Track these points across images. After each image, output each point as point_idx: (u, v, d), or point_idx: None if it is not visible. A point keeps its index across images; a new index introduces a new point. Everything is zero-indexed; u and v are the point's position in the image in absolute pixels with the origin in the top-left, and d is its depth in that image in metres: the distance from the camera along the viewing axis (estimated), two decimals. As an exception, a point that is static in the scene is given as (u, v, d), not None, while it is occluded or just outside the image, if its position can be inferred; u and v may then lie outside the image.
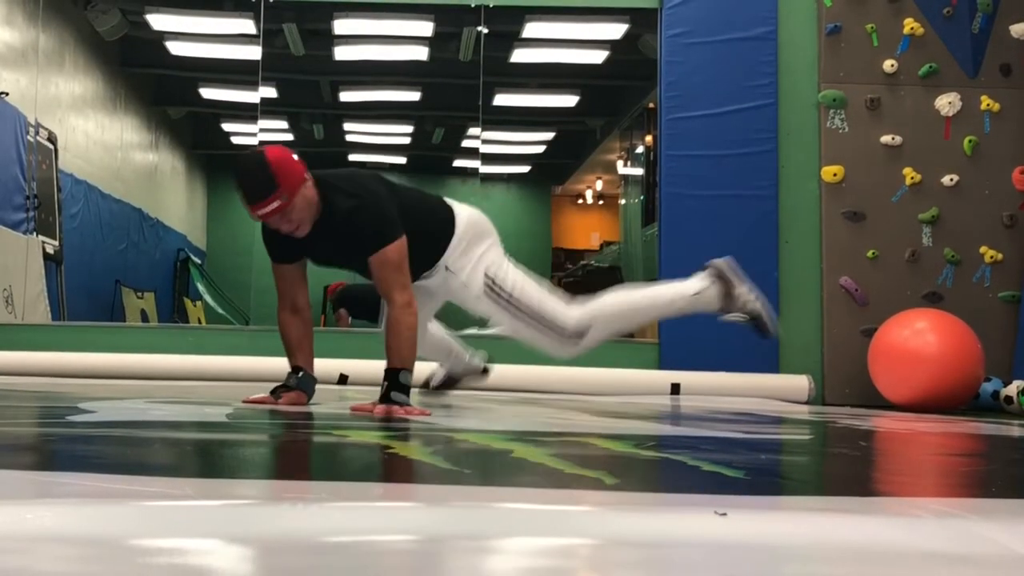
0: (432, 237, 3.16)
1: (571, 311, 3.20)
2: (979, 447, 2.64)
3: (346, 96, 8.93)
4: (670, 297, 3.35)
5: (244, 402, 3.11)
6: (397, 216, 3.01)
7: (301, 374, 3.16)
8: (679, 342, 5.67)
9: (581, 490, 1.39)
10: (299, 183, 2.91)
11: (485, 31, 6.78)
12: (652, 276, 6.05)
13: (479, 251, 3.20)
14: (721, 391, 5.15)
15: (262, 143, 3.17)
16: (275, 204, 2.87)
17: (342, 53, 8.03)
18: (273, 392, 3.12)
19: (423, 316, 3.22)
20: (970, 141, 5.78)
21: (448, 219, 3.21)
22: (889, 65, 5.82)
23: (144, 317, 8.14)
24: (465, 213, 3.27)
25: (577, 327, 3.17)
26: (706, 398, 4.94)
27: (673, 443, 2.33)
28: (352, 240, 2.99)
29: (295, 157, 3.00)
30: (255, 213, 2.92)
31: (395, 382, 2.90)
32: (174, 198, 9.50)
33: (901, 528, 1.06)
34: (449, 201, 3.31)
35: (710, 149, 5.79)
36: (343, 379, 5.01)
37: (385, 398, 2.87)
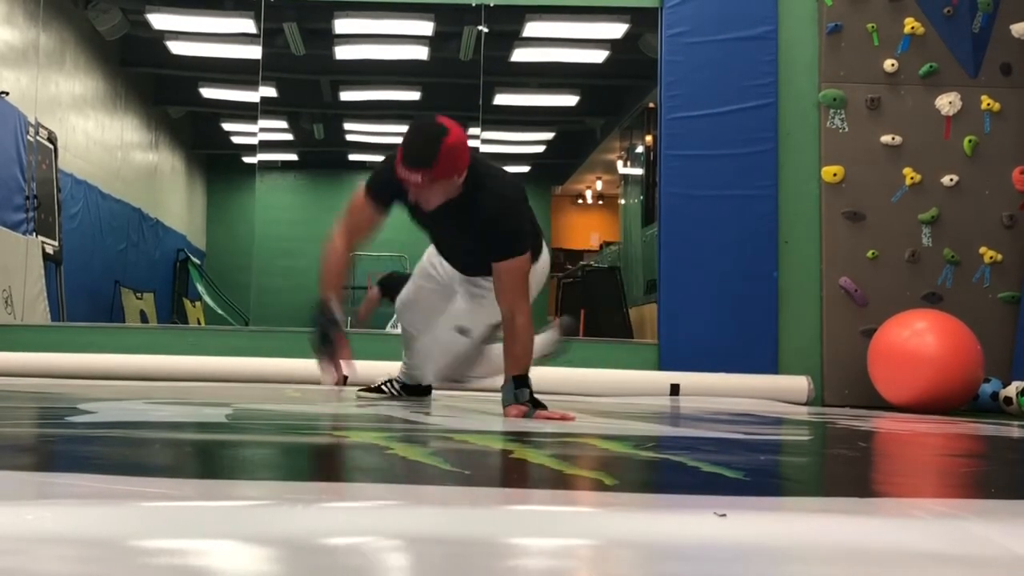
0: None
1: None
2: (978, 448, 2.64)
3: (346, 95, 8.94)
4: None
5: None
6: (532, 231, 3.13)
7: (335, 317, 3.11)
8: (679, 343, 5.67)
9: (581, 491, 1.39)
10: (452, 174, 2.90)
11: (485, 30, 6.78)
12: (652, 276, 6.05)
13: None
14: (720, 392, 5.15)
15: (426, 116, 3.11)
16: (418, 178, 2.86)
17: (342, 52, 8.03)
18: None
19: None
20: (970, 141, 5.78)
21: (537, 244, 3.27)
22: (889, 65, 5.82)
23: (143, 318, 8.14)
24: (547, 257, 3.42)
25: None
26: (705, 399, 4.94)
27: (673, 444, 2.33)
28: (487, 236, 3.02)
29: (467, 149, 2.97)
30: (397, 169, 2.89)
31: (526, 389, 3.06)
32: (174, 198, 9.51)
33: (900, 529, 1.06)
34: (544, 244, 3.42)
35: (710, 149, 5.79)
36: (343, 379, 5.01)
37: (528, 402, 3.02)
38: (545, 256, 3.39)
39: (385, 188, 3.05)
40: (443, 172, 2.85)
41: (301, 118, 8.99)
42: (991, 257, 5.72)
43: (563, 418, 2.87)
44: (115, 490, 1.15)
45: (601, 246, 9.38)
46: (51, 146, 6.83)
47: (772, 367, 5.59)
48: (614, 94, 8.62)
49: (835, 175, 5.78)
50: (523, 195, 3.13)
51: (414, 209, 3.06)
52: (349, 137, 9.34)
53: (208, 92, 9.03)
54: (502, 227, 2.98)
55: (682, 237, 5.78)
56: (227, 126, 9.39)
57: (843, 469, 1.96)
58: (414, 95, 8.78)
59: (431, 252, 3.49)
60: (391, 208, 3.11)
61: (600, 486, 1.44)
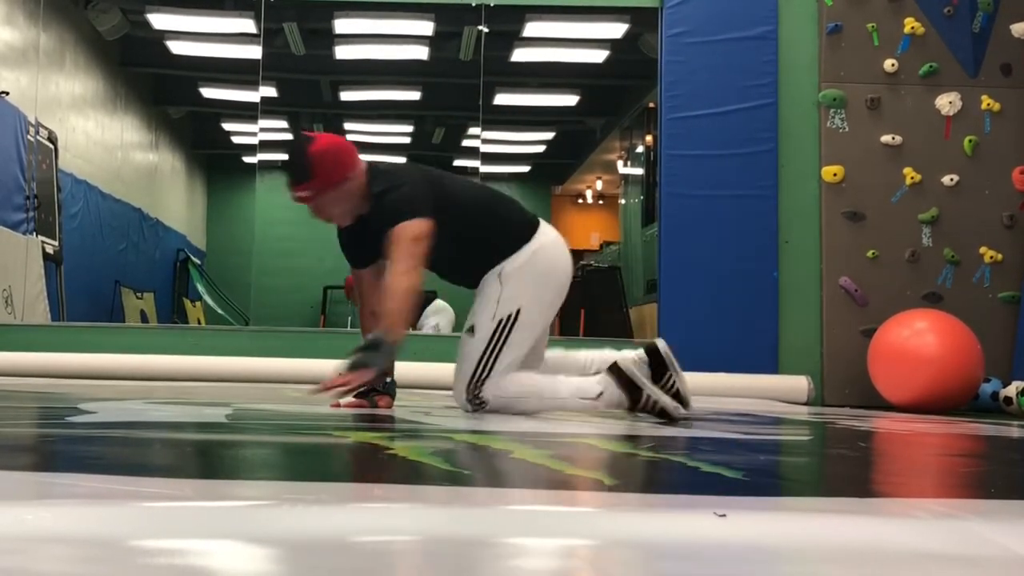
0: (491, 245, 3.09)
1: (499, 385, 3.03)
2: (978, 448, 2.64)
3: (346, 95, 8.93)
4: (563, 397, 3.09)
5: (333, 406, 2.96)
6: (424, 200, 2.94)
7: (389, 380, 3.12)
8: (678, 343, 5.64)
9: (581, 491, 1.39)
10: (335, 180, 2.92)
11: (486, 30, 6.79)
12: (652, 276, 6.05)
13: (531, 288, 3.06)
14: (720, 392, 5.15)
15: (303, 133, 3.12)
16: (305, 193, 2.93)
17: (342, 52, 8.03)
18: (367, 397, 3.04)
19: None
20: (970, 141, 5.78)
21: (520, 236, 3.10)
22: (889, 65, 5.82)
23: (144, 318, 8.14)
24: (545, 240, 3.14)
25: (485, 399, 3.03)
26: (705, 399, 4.93)
27: (672, 444, 2.33)
28: (378, 223, 2.93)
29: (346, 150, 3.00)
30: (290, 194, 2.96)
31: (368, 343, 2.80)
32: (174, 198, 9.50)
33: (900, 529, 1.06)
34: (542, 228, 3.16)
35: (710, 149, 5.79)
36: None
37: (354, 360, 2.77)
38: (535, 245, 3.10)
39: (345, 248, 3.17)
40: (323, 181, 2.90)
41: (301, 118, 8.99)
42: (991, 257, 5.72)
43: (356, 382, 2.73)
44: (115, 490, 1.15)
45: (601, 246, 9.38)
46: (51, 146, 6.83)
47: (772, 367, 5.59)
48: (614, 94, 8.62)
49: (835, 175, 5.78)
50: (415, 173, 3.09)
51: (366, 247, 3.07)
52: (349, 137, 9.27)
53: (208, 92, 9.03)
54: (384, 202, 2.93)
55: (682, 237, 5.78)
56: (227, 126, 9.39)
57: (843, 469, 1.96)
58: (414, 95, 8.78)
59: None
60: (367, 261, 3.11)
61: (600, 486, 1.44)
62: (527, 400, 3.06)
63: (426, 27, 7.43)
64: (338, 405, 2.94)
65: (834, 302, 5.71)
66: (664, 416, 3.06)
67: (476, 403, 3.04)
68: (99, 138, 7.95)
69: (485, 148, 7.57)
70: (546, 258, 3.12)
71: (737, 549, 0.98)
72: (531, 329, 3.08)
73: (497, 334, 3.03)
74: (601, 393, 3.06)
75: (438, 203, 2.97)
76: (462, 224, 3.03)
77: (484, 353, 3.03)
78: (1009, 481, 1.85)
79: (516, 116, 8.46)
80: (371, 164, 3.07)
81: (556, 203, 9.70)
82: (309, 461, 1.81)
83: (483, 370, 3.02)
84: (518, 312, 3.03)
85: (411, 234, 2.86)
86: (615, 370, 3.06)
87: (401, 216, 2.88)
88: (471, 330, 3.08)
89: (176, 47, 8.11)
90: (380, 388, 3.07)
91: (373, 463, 1.68)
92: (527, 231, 3.12)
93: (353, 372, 2.73)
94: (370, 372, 2.76)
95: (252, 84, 7.10)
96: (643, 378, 3.08)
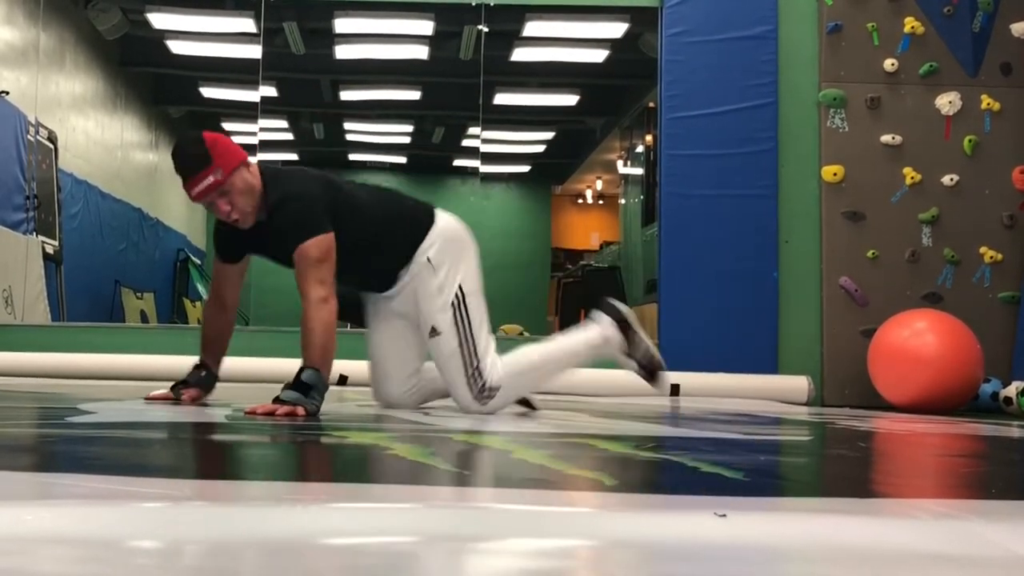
0: (401, 236, 3.12)
1: (496, 365, 3.09)
2: (979, 448, 2.64)
3: (346, 95, 8.93)
4: (573, 347, 3.26)
5: (147, 399, 3.09)
6: (324, 212, 2.92)
7: (204, 373, 3.16)
8: (679, 343, 5.67)
9: (581, 491, 1.39)
10: (235, 162, 2.89)
11: (486, 30, 6.78)
12: (652, 276, 6.06)
13: (459, 261, 3.13)
14: (720, 392, 5.15)
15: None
16: (209, 180, 2.87)
17: (343, 52, 8.03)
18: (173, 389, 3.11)
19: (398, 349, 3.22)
20: (970, 141, 5.78)
21: (424, 221, 3.15)
22: (889, 64, 5.82)
23: (144, 318, 8.13)
24: (446, 219, 3.22)
25: (494, 384, 3.06)
26: (705, 399, 4.93)
27: (673, 444, 2.33)
28: (279, 235, 2.93)
29: (232, 143, 3.01)
30: (192, 191, 2.92)
31: (296, 380, 2.75)
32: (174, 198, 9.49)
33: (901, 529, 1.06)
34: (437, 211, 3.23)
35: (710, 148, 5.79)
36: (343, 380, 5.01)
37: (278, 396, 2.71)
38: (438, 229, 3.14)
39: (222, 241, 3.14)
40: (224, 163, 2.87)
41: (301, 117, 8.99)
42: (991, 257, 5.72)
43: (291, 413, 2.63)
44: (115, 490, 1.15)
45: (601, 246, 9.38)
46: (51, 146, 6.83)
47: (772, 367, 5.59)
48: (614, 94, 8.61)
49: (835, 175, 5.78)
50: (311, 182, 3.00)
51: (252, 245, 3.07)
52: (349, 137, 9.33)
53: (208, 92, 9.02)
54: (283, 215, 2.91)
55: (682, 237, 5.78)
56: (227, 126, 9.38)
57: (843, 469, 1.96)
58: (414, 95, 8.77)
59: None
60: (241, 256, 3.14)
61: (600, 486, 1.44)
62: (540, 369, 3.17)
63: (426, 27, 7.42)
64: (152, 398, 3.06)
65: (834, 302, 5.71)
66: (652, 368, 3.19)
67: (485, 396, 3.04)
68: (99, 138, 7.95)
69: (485, 148, 7.57)
70: (453, 230, 3.19)
71: (737, 549, 0.98)
72: (479, 294, 3.14)
73: (459, 317, 3.06)
74: (605, 336, 3.19)
75: (338, 210, 2.96)
76: (366, 227, 3.04)
77: (461, 342, 3.05)
78: (1009, 481, 1.85)
79: (516, 116, 8.45)
80: (263, 167, 3.03)
81: (556, 203, 9.71)
82: (309, 461, 1.81)
83: (472, 358, 3.04)
84: (461, 287, 3.09)
85: (316, 254, 2.85)
86: (608, 308, 3.22)
87: (302, 231, 2.86)
88: (433, 331, 3.07)
89: (176, 47, 8.11)
90: (192, 381, 3.11)
91: (373, 463, 1.68)
92: (427, 217, 3.17)
93: (285, 405, 2.65)
94: (303, 411, 2.65)
95: (252, 84, 7.10)
96: (634, 322, 3.23)
